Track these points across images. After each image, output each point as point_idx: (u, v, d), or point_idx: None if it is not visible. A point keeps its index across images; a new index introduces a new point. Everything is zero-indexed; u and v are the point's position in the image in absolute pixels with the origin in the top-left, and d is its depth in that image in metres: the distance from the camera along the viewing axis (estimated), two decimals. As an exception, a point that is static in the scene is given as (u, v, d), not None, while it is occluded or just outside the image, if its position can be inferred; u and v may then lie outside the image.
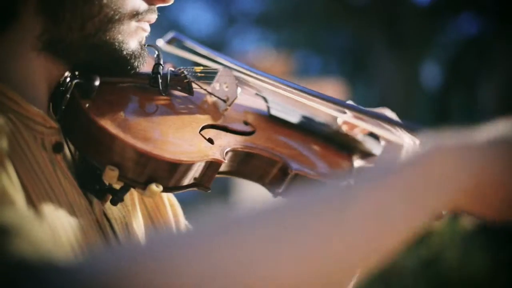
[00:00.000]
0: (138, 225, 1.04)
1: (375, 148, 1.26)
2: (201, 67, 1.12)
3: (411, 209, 0.63)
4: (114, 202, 0.96)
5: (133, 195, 1.06)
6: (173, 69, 1.07)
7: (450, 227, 3.56)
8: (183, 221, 1.15)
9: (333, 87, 6.77)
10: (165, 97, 1.03)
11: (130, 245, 0.69)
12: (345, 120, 1.22)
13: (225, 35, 12.90)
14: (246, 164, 1.09)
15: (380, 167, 0.66)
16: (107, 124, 0.91)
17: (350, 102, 1.18)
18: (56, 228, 0.84)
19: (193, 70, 1.10)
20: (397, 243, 0.63)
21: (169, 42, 1.19)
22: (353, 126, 1.23)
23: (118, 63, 0.95)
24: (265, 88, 1.15)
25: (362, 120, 1.19)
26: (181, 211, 1.15)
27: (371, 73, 11.92)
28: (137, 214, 1.06)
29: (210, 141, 1.01)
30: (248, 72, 1.11)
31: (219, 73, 1.12)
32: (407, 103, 10.36)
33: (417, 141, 1.20)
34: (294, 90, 1.09)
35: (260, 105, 1.19)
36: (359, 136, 1.25)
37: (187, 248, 0.58)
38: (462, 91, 11.94)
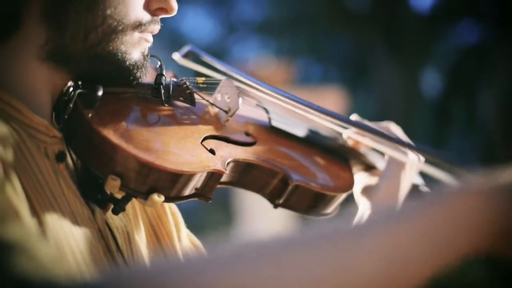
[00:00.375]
0: (140, 235, 1.05)
1: (379, 161, 1.27)
2: (203, 78, 1.13)
3: (431, 250, 0.63)
4: (115, 212, 0.97)
5: (135, 204, 1.06)
6: (175, 80, 1.08)
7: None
8: (184, 230, 1.15)
9: (333, 95, 6.76)
10: (167, 108, 1.04)
11: (139, 267, 0.70)
12: (349, 135, 1.23)
13: (225, 43, 12.92)
14: (247, 175, 1.09)
15: (403, 204, 0.66)
16: (110, 134, 0.92)
17: (355, 116, 1.19)
18: (59, 238, 0.84)
19: (195, 80, 1.11)
20: (415, 282, 0.63)
21: (185, 56, 1.19)
22: (357, 141, 1.24)
23: (121, 74, 0.96)
24: (270, 101, 1.15)
25: (366, 136, 1.20)
26: (182, 220, 1.15)
27: (371, 80, 11.92)
28: (139, 223, 1.06)
29: (212, 151, 1.02)
30: (267, 90, 1.11)
31: (221, 84, 1.13)
32: (408, 110, 10.36)
33: (421, 158, 1.20)
34: (301, 106, 1.10)
35: (261, 116, 1.20)
36: (363, 149, 1.26)
37: (201, 274, 0.58)
38: (462, 98, 11.93)
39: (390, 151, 1.18)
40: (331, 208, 1.18)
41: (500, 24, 10.55)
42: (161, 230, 1.10)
